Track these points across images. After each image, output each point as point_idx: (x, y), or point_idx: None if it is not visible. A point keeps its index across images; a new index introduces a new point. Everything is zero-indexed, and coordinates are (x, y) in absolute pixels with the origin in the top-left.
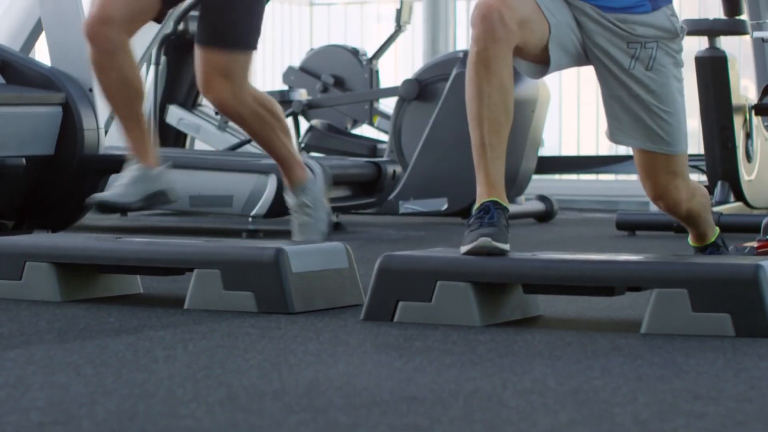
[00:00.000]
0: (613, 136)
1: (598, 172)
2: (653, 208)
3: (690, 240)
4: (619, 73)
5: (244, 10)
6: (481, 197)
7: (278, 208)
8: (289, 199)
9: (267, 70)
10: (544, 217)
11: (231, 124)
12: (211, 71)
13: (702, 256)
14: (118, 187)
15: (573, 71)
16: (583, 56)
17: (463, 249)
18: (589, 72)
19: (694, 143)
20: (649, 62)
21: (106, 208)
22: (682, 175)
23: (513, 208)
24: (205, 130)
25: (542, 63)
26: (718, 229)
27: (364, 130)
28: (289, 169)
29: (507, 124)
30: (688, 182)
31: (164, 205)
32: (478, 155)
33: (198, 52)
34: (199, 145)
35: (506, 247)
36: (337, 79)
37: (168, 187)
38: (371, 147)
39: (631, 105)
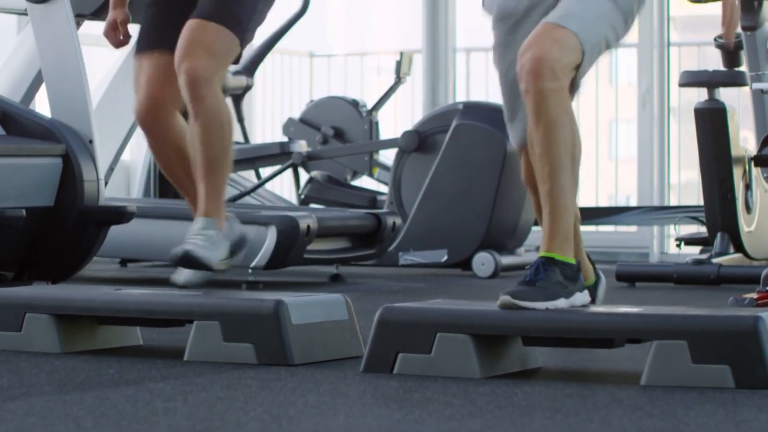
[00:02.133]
0: None
1: (597, 224)
2: (653, 259)
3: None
4: None
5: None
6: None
7: (278, 259)
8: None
9: (267, 121)
10: None
11: (230, 175)
12: (197, 41)
13: (702, 309)
14: (202, 244)
15: None
16: None
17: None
18: (588, 126)
19: (694, 194)
20: None
21: (195, 264)
22: (563, 46)
23: (512, 260)
24: None
25: None
26: (585, 255)
27: (364, 182)
28: (215, 199)
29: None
30: (564, 58)
31: (243, 249)
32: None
33: (187, 25)
34: None
35: (532, 305)
36: (336, 130)
37: (243, 231)
38: (371, 198)
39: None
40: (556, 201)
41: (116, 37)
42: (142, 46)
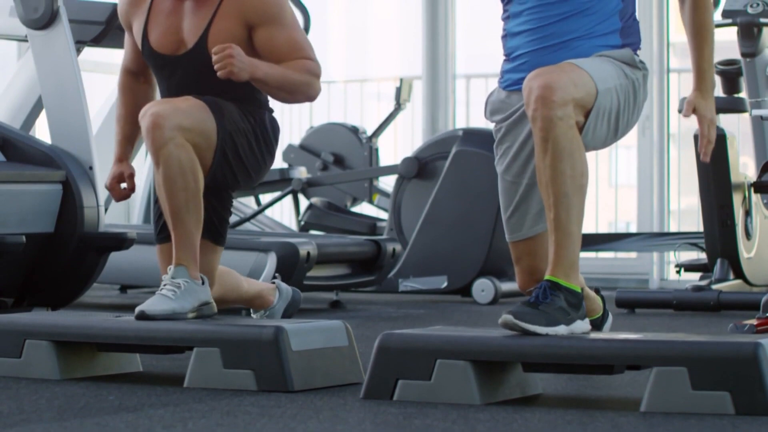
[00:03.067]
0: None
1: (597, 250)
2: (653, 285)
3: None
4: None
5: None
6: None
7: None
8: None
9: None
10: None
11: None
12: (174, 106)
13: (701, 335)
14: (165, 299)
15: None
16: None
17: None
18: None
19: (693, 221)
20: None
21: (156, 320)
22: (571, 75)
23: (513, 286)
24: None
25: None
26: (583, 282)
27: (364, 208)
28: (186, 248)
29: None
30: (571, 88)
31: (210, 315)
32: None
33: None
34: None
35: (533, 328)
36: (336, 157)
37: (290, 292)
38: (371, 225)
39: None
40: (562, 228)
41: (121, 190)
42: (166, 237)
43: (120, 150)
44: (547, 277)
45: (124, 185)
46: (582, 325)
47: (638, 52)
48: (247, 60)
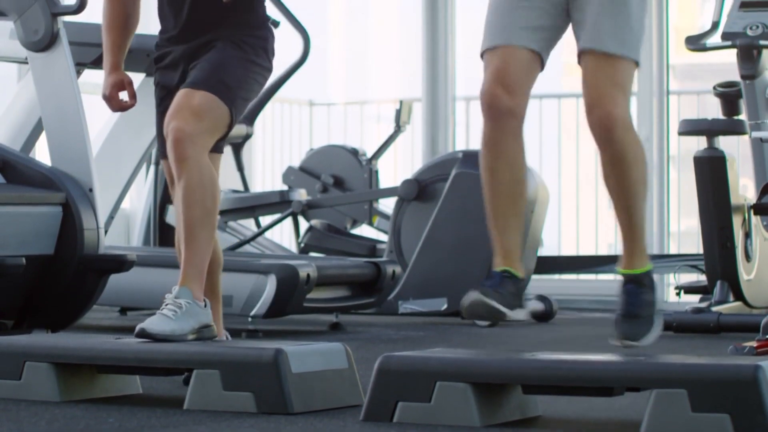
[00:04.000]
0: (579, 41)
1: (597, 272)
2: None
3: (619, 266)
4: None
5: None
6: (494, 267)
7: (278, 308)
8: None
9: (267, 169)
10: (544, 317)
11: (230, 224)
12: (184, 105)
13: (701, 357)
14: (165, 318)
15: (572, 172)
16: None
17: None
18: (588, 174)
19: (693, 243)
20: None
21: (155, 339)
22: (624, 91)
23: None
24: None
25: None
26: (651, 266)
27: (364, 230)
28: (195, 266)
29: (522, 196)
30: (627, 110)
31: (210, 339)
32: (493, 228)
33: (177, 94)
34: None
35: (498, 306)
36: (336, 179)
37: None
38: (371, 247)
39: (596, 5)
40: (635, 225)
41: (120, 100)
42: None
43: (112, 58)
44: (626, 271)
45: (123, 94)
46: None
47: None
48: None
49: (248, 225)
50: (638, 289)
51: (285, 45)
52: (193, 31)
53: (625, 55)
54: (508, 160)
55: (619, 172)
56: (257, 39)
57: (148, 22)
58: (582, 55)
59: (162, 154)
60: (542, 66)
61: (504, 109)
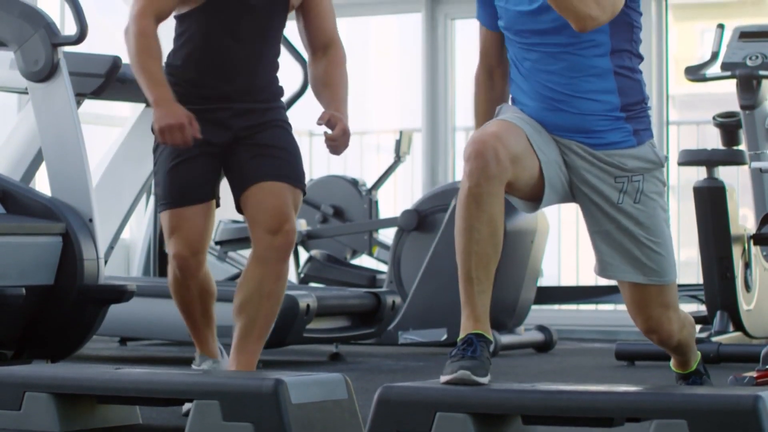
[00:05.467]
0: (604, 271)
1: (597, 302)
2: None
3: (672, 365)
4: (608, 208)
5: (299, 155)
6: (466, 330)
7: (278, 338)
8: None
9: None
10: (544, 347)
11: (230, 254)
12: (289, 204)
13: (700, 387)
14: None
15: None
16: (569, 194)
17: (443, 379)
18: None
19: (693, 273)
20: (637, 195)
21: None
22: (674, 305)
23: (512, 339)
24: None
25: (531, 199)
26: (699, 354)
27: (364, 261)
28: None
29: (495, 259)
30: (678, 313)
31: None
32: (464, 289)
33: (277, 187)
34: None
35: (484, 380)
36: (336, 209)
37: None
38: (370, 277)
39: (621, 239)
40: (688, 358)
41: (187, 135)
42: (187, 202)
43: (167, 88)
44: (472, 331)
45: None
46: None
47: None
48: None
49: (248, 255)
50: (699, 380)
51: (285, 75)
52: (245, 94)
53: (668, 282)
54: (489, 218)
55: (675, 351)
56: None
57: None
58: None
59: (190, 202)
60: (540, 193)
61: (492, 158)
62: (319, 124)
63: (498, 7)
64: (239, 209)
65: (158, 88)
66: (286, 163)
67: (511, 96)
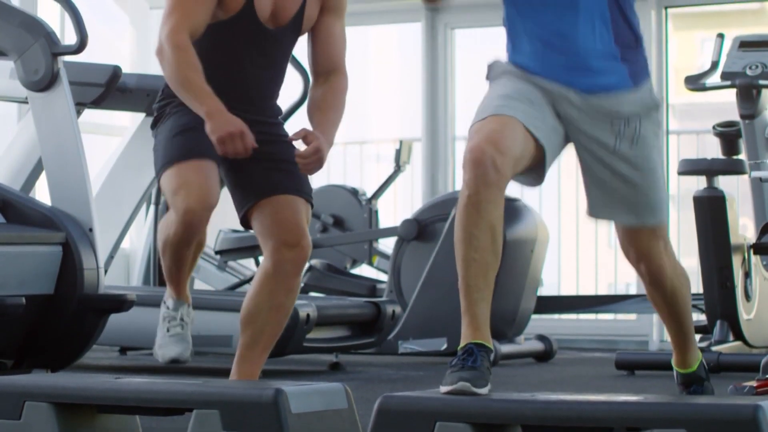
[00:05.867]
0: (595, 213)
1: (597, 312)
2: (653, 347)
3: (674, 362)
4: (603, 155)
5: None
6: (466, 339)
7: (278, 347)
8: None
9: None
10: (544, 356)
11: (230, 263)
12: (304, 220)
13: (701, 396)
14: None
15: (572, 211)
16: (565, 143)
17: (443, 389)
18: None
19: (693, 282)
20: (634, 138)
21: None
22: (665, 239)
23: (512, 348)
24: (204, 270)
25: (533, 169)
26: (701, 355)
27: (364, 270)
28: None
29: (495, 267)
30: (670, 249)
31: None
32: (464, 297)
33: (294, 201)
34: (199, 285)
35: (484, 391)
36: (336, 218)
37: None
38: (370, 287)
39: (616, 185)
40: (685, 333)
41: (247, 142)
42: (194, 155)
43: (218, 100)
44: (472, 341)
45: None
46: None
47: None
48: (327, 145)
49: (248, 265)
50: (701, 388)
51: (285, 85)
52: (252, 106)
53: (661, 223)
54: (488, 226)
55: (670, 303)
56: None
57: (147, 62)
58: (620, 226)
59: (199, 154)
60: (541, 165)
61: (490, 165)
62: (292, 139)
63: None
64: (244, 221)
65: (208, 99)
66: (299, 177)
67: (507, 39)
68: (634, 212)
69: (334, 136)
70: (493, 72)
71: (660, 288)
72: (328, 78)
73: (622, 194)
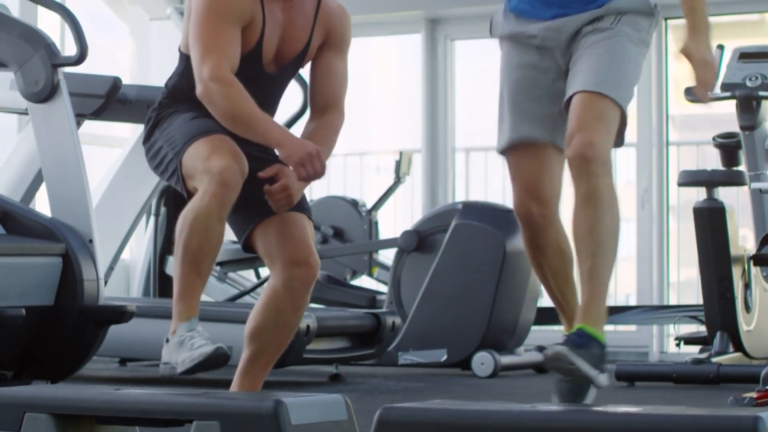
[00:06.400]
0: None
1: None
2: (653, 358)
3: (578, 317)
4: (588, 32)
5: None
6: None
7: (277, 359)
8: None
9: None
10: (544, 368)
11: (230, 274)
12: (310, 236)
13: (701, 408)
14: (201, 350)
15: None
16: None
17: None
18: None
19: (693, 293)
20: (616, 18)
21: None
22: (609, 128)
23: (512, 359)
24: None
25: None
26: (605, 339)
27: (364, 281)
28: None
29: (571, 268)
30: (609, 145)
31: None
32: (554, 302)
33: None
34: None
35: (585, 368)
36: (336, 230)
37: None
38: (370, 298)
39: (589, 55)
40: (598, 278)
41: (324, 163)
42: (219, 131)
43: (285, 128)
44: (581, 325)
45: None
46: (604, 379)
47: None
48: (298, 185)
49: (248, 276)
50: (589, 338)
51: (285, 96)
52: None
53: (615, 99)
54: (552, 249)
55: (590, 213)
56: None
57: (147, 74)
58: (572, 97)
59: (210, 131)
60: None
61: (539, 219)
62: (261, 176)
63: None
64: (247, 244)
65: (274, 126)
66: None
67: None
68: (595, 76)
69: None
70: (494, 31)
71: (584, 181)
72: (323, 114)
73: (591, 62)
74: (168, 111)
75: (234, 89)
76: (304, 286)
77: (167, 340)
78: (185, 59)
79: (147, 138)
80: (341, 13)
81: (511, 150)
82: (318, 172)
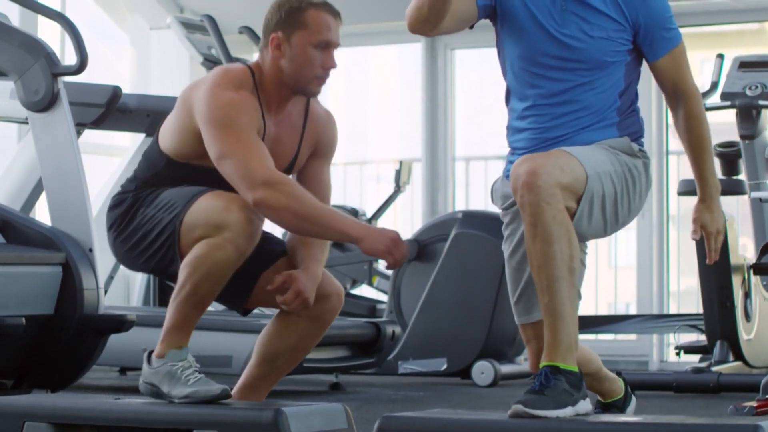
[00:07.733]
0: None
1: (597, 332)
2: (653, 367)
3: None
4: None
5: None
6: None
7: None
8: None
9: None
10: None
11: None
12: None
13: (701, 417)
14: (203, 384)
15: None
16: None
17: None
18: None
19: (693, 302)
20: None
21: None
22: (561, 166)
23: (512, 368)
24: None
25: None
26: (577, 368)
27: (364, 291)
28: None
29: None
30: (559, 176)
31: None
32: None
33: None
34: None
35: (543, 413)
36: None
37: None
38: (370, 307)
39: None
40: (556, 312)
41: (406, 247)
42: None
43: (355, 219)
44: (545, 363)
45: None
46: (585, 405)
47: (641, 140)
48: (311, 283)
49: None
50: (554, 375)
51: None
52: None
53: (581, 161)
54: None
55: (537, 248)
56: None
57: (147, 83)
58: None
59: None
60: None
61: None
62: (269, 288)
63: (519, 15)
64: (250, 302)
65: (348, 220)
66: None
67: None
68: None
69: (320, 272)
70: (495, 200)
71: (527, 216)
72: None
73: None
74: (150, 190)
75: (293, 187)
76: (333, 315)
77: (150, 358)
78: (165, 158)
79: (121, 219)
80: (328, 120)
81: (528, 325)
82: (405, 256)
